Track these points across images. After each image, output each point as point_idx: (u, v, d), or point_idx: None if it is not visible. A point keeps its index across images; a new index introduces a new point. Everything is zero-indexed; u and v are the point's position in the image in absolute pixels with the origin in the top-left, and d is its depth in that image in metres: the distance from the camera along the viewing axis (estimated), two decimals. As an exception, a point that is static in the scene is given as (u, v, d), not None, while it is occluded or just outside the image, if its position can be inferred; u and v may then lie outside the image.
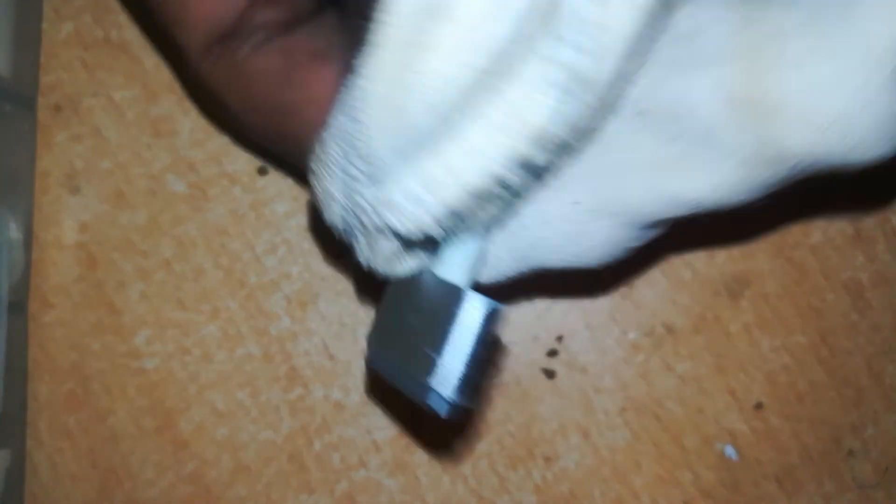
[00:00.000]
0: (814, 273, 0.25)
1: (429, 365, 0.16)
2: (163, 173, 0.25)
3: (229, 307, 0.25)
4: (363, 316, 0.25)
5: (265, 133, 0.19)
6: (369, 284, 0.25)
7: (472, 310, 0.16)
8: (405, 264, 0.17)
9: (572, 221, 0.17)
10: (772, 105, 0.15)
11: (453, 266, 0.17)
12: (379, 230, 0.16)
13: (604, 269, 0.18)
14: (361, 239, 0.17)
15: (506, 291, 0.20)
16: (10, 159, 0.24)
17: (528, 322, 0.25)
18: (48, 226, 0.25)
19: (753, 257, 0.25)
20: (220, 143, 0.25)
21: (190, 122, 0.25)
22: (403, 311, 0.18)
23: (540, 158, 0.15)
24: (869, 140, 0.15)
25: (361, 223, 0.16)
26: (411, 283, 0.18)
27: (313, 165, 0.16)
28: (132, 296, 0.25)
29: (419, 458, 0.25)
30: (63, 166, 0.25)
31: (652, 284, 0.25)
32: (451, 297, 0.16)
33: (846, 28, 0.15)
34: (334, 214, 0.17)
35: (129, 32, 0.25)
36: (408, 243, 0.16)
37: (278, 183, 0.25)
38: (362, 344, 0.25)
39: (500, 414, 0.25)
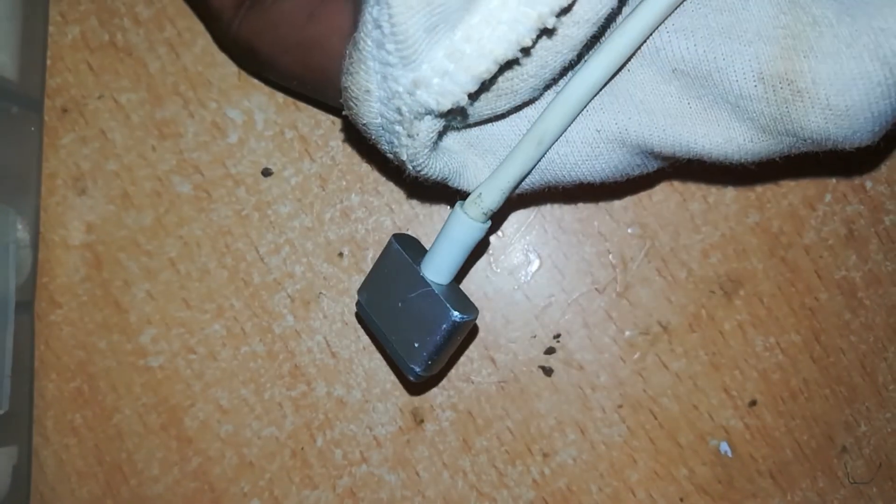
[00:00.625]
0: (807, 272, 0.25)
1: (408, 348, 0.20)
2: (168, 175, 0.25)
3: (233, 306, 0.25)
4: (365, 315, 0.25)
5: (295, 70, 0.21)
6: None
7: (447, 317, 0.20)
8: (441, 159, 0.19)
9: (591, 145, 0.19)
10: (801, 88, 0.17)
11: (442, 267, 0.21)
12: (416, 114, 0.17)
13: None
14: (400, 130, 0.17)
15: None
16: (17, 161, 0.24)
17: (526, 321, 0.25)
18: (55, 226, 0.25)
19: (748, 257, 0.25)
20: (224, 145, 0.25)
21: (194, 124, 0.25)
22: (394, 286, 0.21)
23: (555, 24, 0.16)
24: (869, 128, 0.17)
25: (399, 111, 0.17)
26: (402, 267, 0.21)
27: (349, 68, 0.17)
28: (138, 295, 0.25)
29: (420, 453, 0.25)
30: (69, 168, 0.25)
31: (648, 283, 0.25)
32: (432, 300, 0.20)
33: (872, 29, 0.16)
34: (372, 110, 0.18)
35: (135, 36, 0.25)
36: (444, 119, 0.18)
37: (282, 184, 0.25)
38: (364, 342, 0.25)
39: (499, 410, 0.25)
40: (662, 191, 0.25)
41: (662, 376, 0.25)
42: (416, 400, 0.25)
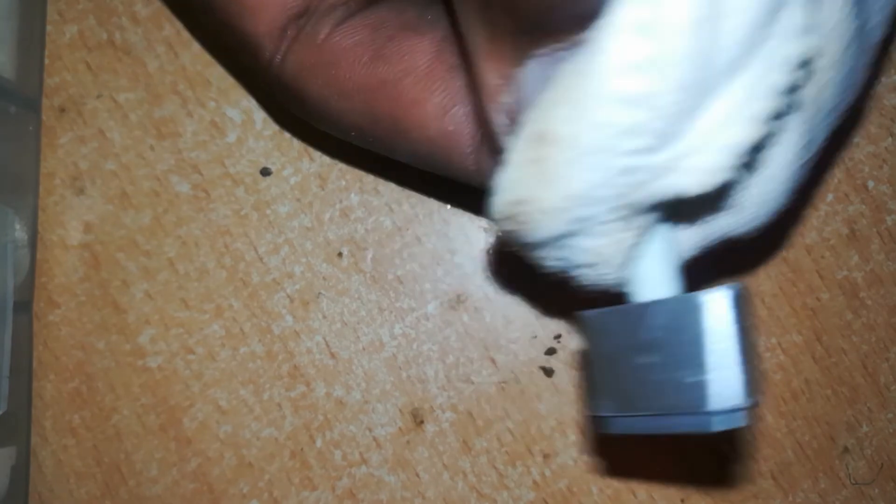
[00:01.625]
0: (809, 272, 0.25)
1: (699, 392, 0.13)
2: (166, 174, 0.25)
3: (232, 306, 0.25)
4: (364, 314, 0.25)
5: (354, 119, 0.17)
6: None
7: (717, 307, 0.13)
8: (637, 260, 0.15)
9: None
10: None
11: (657, 280, 0.15)
12: (651, 206, 0.13)
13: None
14: (607, 229, 0.13)
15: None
16: (15, 160, 0.24)
17: (526, 321, 0.25)
18: (53, 226, 0.25)
19: (749, 257, 0.25)
20: (223, 144, 0.25)
21: (193, 123, 0.25)
22: (625, 356, 0.15)
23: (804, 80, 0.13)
24: None
25: (622, 205, 0.13)
26: (617, 324, 0.15)
27: (553, 154, 0.12)
28: (136, 295, 0.25)
29: (419, 454, 0.25)
30: (67, 167, 0.25)
31: (649, 284, 0.25)
32: (680, 310, 0.14)
33: None
34: (583, 208, 0.13)
35: (133, 35, 0.25)
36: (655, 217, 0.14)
37: (281, 184, 0.25)
38: (363, 342, 0.25)
39: (500, 411, 0.25)
40: (663, 190, 0.25)
41: (663, 377, 0.25)
42: (416, 401, 0.25)
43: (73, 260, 0.25)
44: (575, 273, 0.15)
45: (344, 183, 0.25)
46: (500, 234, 0.15)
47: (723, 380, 0.13)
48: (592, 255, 0.14)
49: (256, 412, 0.25)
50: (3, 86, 0.23)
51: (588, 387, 0.16)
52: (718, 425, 0.13)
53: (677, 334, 0.14)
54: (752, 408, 0.13)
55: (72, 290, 0.25)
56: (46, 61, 0.25)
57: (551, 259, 0.15)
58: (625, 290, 0.15)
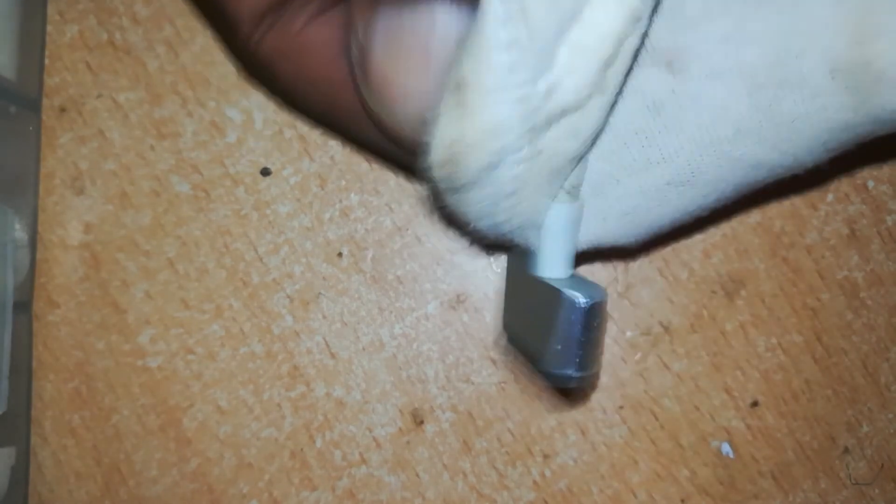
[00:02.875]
0: (809, 273, 0.25)
1: (547, 354, 0.19)
2: (166, 174, 0.25)
3: (232, 306, 0.25)
4: (364, 314, 0.25)
5: (318, 107, 0.18)
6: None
7: (572, 306, 0.18)
8: (559, 188, 0.18)
9: (662, 193, 0.19)
10: (876, 72, 0.16)
11: (553, 261, 0.20)
12: (550, 118, 0.15)
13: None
14: (526, 147, 0.16)
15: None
16: (15, 160, 0.24)
17: (526, 321, 0.25)
18: (53, 226, 0.25)
19: (749, 257, 0.25)
20: (223, 144, 0.25)
21: (193, 123, 0.25)
22: (521, 301, 0.21)
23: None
24: None
25: (531, 127, 0.15)
26: (522, 275, 0.20)
27: (469, 96, 0.15)
28: (136, 295, 0.25)
29: (419, 454, 0.25)
30: (67, 167, 0.25)
31: (649, 284, 0.25)
32: (553, 295, 0.19)
33: None
34: (499, 137, 0.15)
35: (133, 35, 0.25)
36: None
37: (281, 184, 0.25)
38: (363, 342, 0.25)
39: (500, 411, 0.25)
40: (663, 190, 0.25)
41: (664, 377, 0.25)
42: (416, 401, 0.25)
43: (73, 260, 0.25)
44: (497, 219, 0.17)
45: (344, 183, 0.25)
46: (435, 186, 0.17)
47: (562, 355, 0.19)
48: (513, 184, 0.16)
49: (256, 412, 0.25)
50: (4, 86, 0.23)
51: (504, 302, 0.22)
52: (556, 381, 0.19)
53: (548, 307, 0.19)
54: (582, 378, 0.19)
55: (71, 291, 0.25)
56: (47, 61, 0.25)
57: (478, 204, 0.17)
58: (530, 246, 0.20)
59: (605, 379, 0.25)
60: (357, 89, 0.17)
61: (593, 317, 0.19)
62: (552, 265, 0.20)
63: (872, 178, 0.25)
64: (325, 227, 0.25)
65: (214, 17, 0.20)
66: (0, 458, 0.23)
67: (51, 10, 0.25)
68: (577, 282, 0.20)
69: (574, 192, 0.20)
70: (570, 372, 0.19)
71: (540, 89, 0.15)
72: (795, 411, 0.25)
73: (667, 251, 0.25)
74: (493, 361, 0.25)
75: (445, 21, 0.16)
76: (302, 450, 0.25)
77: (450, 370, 0.25)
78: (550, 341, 0.19)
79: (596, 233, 0.20)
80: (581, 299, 0.18)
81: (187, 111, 0.25)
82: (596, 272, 0.25)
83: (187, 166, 0.25)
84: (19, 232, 0.24)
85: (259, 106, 0.25)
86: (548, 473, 0.25)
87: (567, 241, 0.20)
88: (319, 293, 0.25)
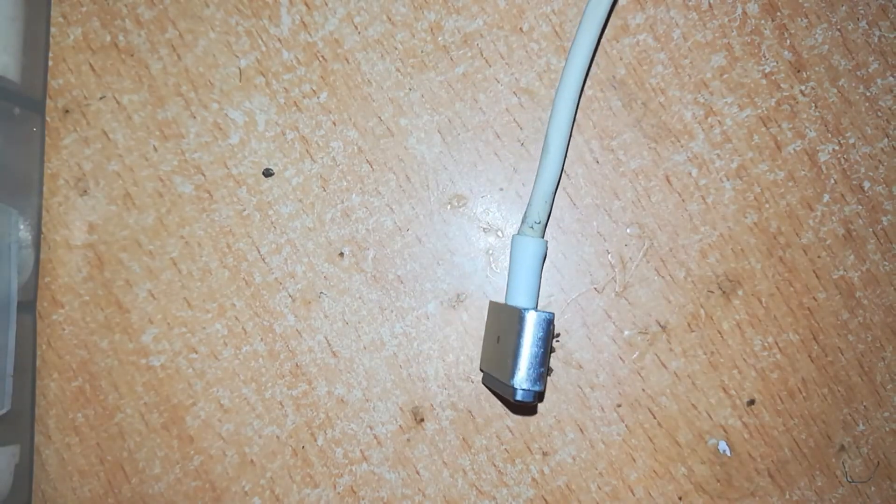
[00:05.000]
0: (805, 272, 0.25)
1: (509, 369, 0.21)
2: (170, 175, 0.25)
3: (235, 306, 0.25)
4: (365, 314, 0.25)
5: None
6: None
7: (531, 322, 0.21)
8: None
9: None
10: None
11: (520, 291, 0.22)
12: None
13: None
14: None
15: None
16: (20, 161, 0.24)
17: (526, 320, 0.25)
18: (57, 226, 0.25)
19: (746, 257, 0.25)
20: (226, 146, 0.25)
21: (196, 125, 0.25)
22: (493, 332, 0.23)
23: None
24: None
25: None
26: (495, 310, 0.23)
27: None
28: (140, 295, 0.25)
29: (420, 452, 0.25)
30: (71, 168, 0.25)
31: (647, 283, 0.25)
32: (515, 317, 0.21)
33: None
34: None
35: (136, 37, 0.25)
36: None
37: (283, 185, 0.25)
38: (364, 341, 0.25)
39: (499, 409, 0.25)
40: (661, 191, 0.25)
41: (661, 375, 0.25)
42: (416, 399, 0.25)
43: (77, 260, 0.25)
44: None
45: (345, 184, 0.25)
46: None
47: (523, 365, 0.21)
48: None
49: (258, 410, 0.25)
50: (8, 87, 0.23)
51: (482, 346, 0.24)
52: (519, 396, 0.21)
53: (512, 330, 0.21)
54: (535, 393, 0.21)
55: (75, 290, 0.25)
56: (50, 63, 0.25)
57: None
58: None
59: (602, 377, 0.25)
60: None
61: (537, 328, 0.21)
62: (521, 295, 0.22)
63: (868, 178, 0.25)
64: (327, 227, 0.25)
65: None
66: (4, 455, 0.24)
67: (54, 12, 0.25)
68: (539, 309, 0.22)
69: (537, 228, 0.23)
70: (514, 383, 0.21)
71: None
72: (792, 410, 0.25)
73: (664, 251, 0.25)
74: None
75: None
76: (303, 447, 0.25)
77: (450, 368, 0.25)
78: (506, 359, 0.21)
79: None
80: (525, 311, 0.21)
81: (190, 113, 0.25)
82: (593, 272, 0.25)
83: (190, 167, 0.25)
84: (23, 232, 0.24)
85: (261, 108, 0.25)
86: (546, 471, 0.25)
87: (533, 274, 0.23)
88: (321, 293, 0.25)
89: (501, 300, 0.25)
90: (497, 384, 0.22)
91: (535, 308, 0.22)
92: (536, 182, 0.23)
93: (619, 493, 0.25)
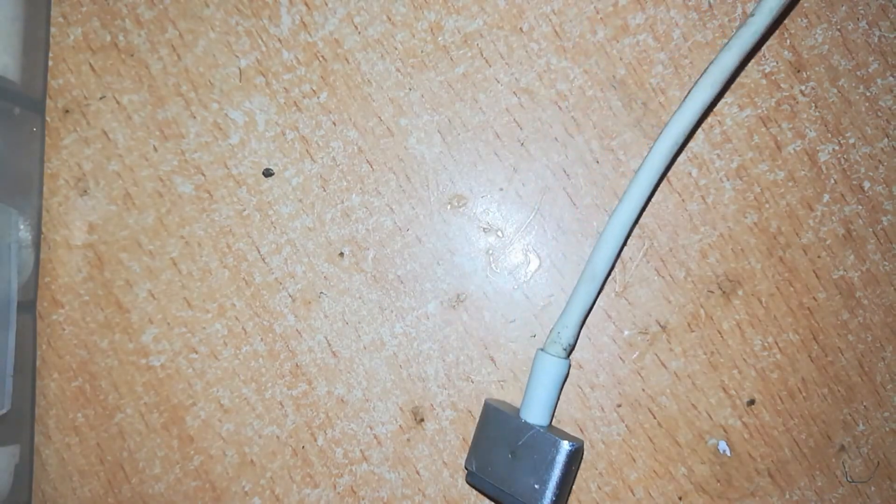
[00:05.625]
0: (805, 272, 0.25)
1: (538, 495, 0.22)
2: (170, 175, 0.25)
3: (235, 306, 0.25)
4: (365, 314, 0.25)
5: None
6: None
7: (565, 451, 0.22)
8: None
9: None
10: None
11: (540, 409, 0.23)
12: None
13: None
14: None
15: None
16: (20, 161, 0.24)
17: (526, 320, 0.25)
18: (57, 226, 0.25)
19: (746, 257, 0.25)
20: (226, 146, 0.25)
21: (196, 125, 0.25)
22: (500, 442, 0.23)
23: None
24: None
25: None
26: (505, 420, 0.23)
27: None
28: (140, 295, 0.25)
29: (420, 452, 0.25)
30: (71, 168, 0.25)
31: (647, 283, 0.25)
32: (547, 441, 0.22)
33: None
34: None
35: (137, 37, 0.25)
36: None
37: (283, 185, 0.25)
38: (364, 341, 0.25)
39: (499, 410, 0.25)
40: (661, 191, 0.25)
41: (661, 375, 0.25)
42: (417, 399, 0.25)
43: (77, 260, 0.25)
44: None
45: (345, 184, 0.25)
46: None
47: (547, 494, 0.22)
48: None
49: (258, 410, 0.25)
50: (8, 87, 0.23)
51: (472, 444, 0.24)
52: None
53: (538, 453, 0.22)
54: None
55: (75, 290, 0.25)
56: (50, 63, 0.25)
57: None
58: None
59: (602, 377, 0.25)
60: None
61: (574, 462, 0.22)
62: (538, 412, 0.23)
63: (868, 178, 0.25)
64: (327, 227, 0.25)
65: None
66: (4, 456, 0.24)
67: (54, 12, 0.25)
68: (557, 430, 0.23)
69: (567, 351, 0.23)
70: None
71: None
72: (792, 410, 0.25)
73: (664, 251, 0.25)
74: (493, 360, 0.25)
75: None
76: (304, 447, 0.25)
77: (450, 368, 0.25)
78: (529, 480, 0.22)
79: None
80: (568, 444, 0.22)
81: (190, 113, 0.25)
82: (594, 272, 0.25)
83: (190, 167, 0.25)
84: (23, 232, 0.24)
85: (261, 108, 0.25)
86: (547, 471, 0.25)
87: (553, 393, 0.23)
88: (321, 293, 0.25)
89: (500, 299, 0.25)
90: (505, 496, 0.22)
91: (548, 424, 0.23)
92: (573, 305, 0.23)
93: (619, 493, 0.25)
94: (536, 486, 0.22)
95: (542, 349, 0.23)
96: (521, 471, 0.22)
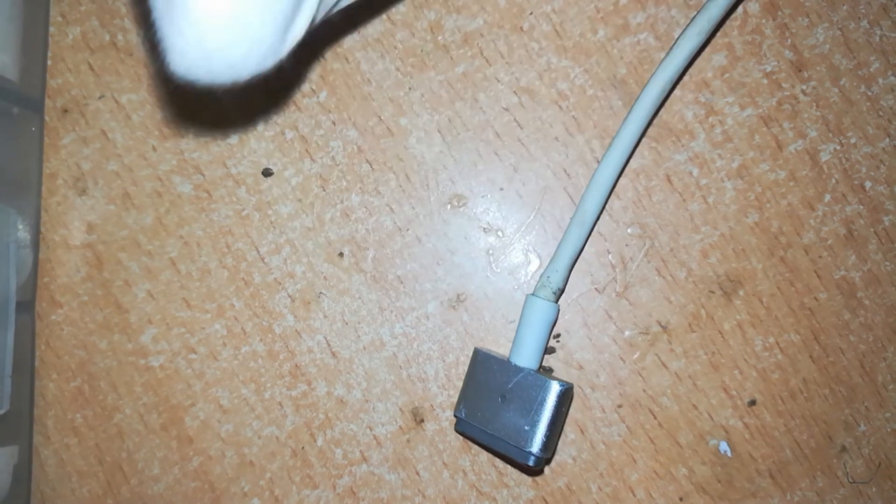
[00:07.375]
0: (807, 272, 0.25)
1: (528, 436, 0.22)
2: (169, 175, 0.25)
3: (234, 306, 0.25)
4: (365, 314, 0.25)
5: None
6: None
7: (553, 393, 0.22)
8: None
9: None
10: None
11: (529, 352, 0.23)
12: None
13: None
14: None
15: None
16: (18, 161, 0.24)
17: (526, 320, 0.25)
18: (55, 226, 0.25)
19: (747, 257, 0.25)
20: (225, 145, 0.25)
21: (195, 124, 0.25)
22: (490, 387, 0.23)
23: None
24: None
25: None
26: (495, 366, 0.23)
27: None
28: (138, 295, 0.25)
29: (419, 452, 0.25)
30: (70, 168, 0.25)
31: (647, 284, 0.25)
32: (537, 383, 0.22)
33: None
34: None
35: (135, 36, 0.25)
36: None
37: (282, 185, 0.25)
38: (364, 341, 0.25)
39: (499, 411, 0.25)
40: (661, 191, 0.25)
41: (662, 376, 0.25)
42: (416, 399, 0.25)
43: (76, 260, 0.25)
44: None
45: (345, 183, 0.25)
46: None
47: (538, 435, 0.22)
48: None
49: (258, 411, 0.25)
50: (7, 87, 0.23)
51: (460, 392, 0.24)
52: (533, 462, 0.22)
53: (528, 394, 0.22)
54: (540, 460, 0.22)
55: (74, 290, 0.25)
56: (49, 63, 0.25)
57: None
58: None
59: (603, 378, 0.25)
60: None
61: (564, 402, 0.22)
62: (528, 355, 0.23)
63: (870, 178, 0.25)
64: (326, 227, 0.25)
65: None
66: (3, 456, 0.24)
67: (53, 11, 0.25)
68: (547, 372, 0.23)
69: (556, 295, 0.23)
70: (534, 449, 0.22)
71: None
72: (793, 410, 0.25)
73: (665, 251, 0.25)
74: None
75: None
76: (303, 448, 0.25)
77: (450, 369, 0.25)
78: (520, 423, 0.22)
79: None
80: (559, 384, 0.22)
81: (189, 112, 0.25)
82: (594, 272, 0.25)
83: (189, 167, 0.25)
84: (22, 232, 0.24)
85: (261, 108, 0.25)
86: (547, 471, 0.25)
87: (543, 336, 0.23)
88: (320, 293, 0.25)
89: (500, 299, 0.25)
90: (495, 441, 0.23)
91: (541, 367, 0.23)
92: (563, 248, 0.23)
93: (620, 494, 0.25)
94: (527, 428, 0.22)
95: (531, 294, 0.23)
96: (512, 413, 0.22)
